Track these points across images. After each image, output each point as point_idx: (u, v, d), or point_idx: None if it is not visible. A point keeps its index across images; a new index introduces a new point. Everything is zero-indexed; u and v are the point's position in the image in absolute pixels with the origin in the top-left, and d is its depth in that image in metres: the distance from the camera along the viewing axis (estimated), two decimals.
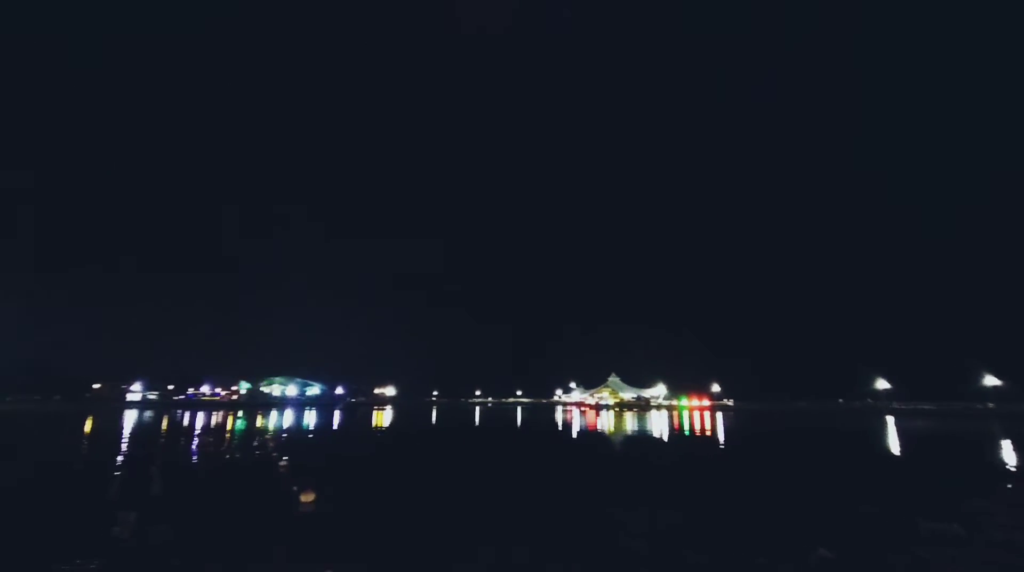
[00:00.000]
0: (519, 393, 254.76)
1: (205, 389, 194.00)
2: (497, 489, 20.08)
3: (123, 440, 42.69)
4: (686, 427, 64.31)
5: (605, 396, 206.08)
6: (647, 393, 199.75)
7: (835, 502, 17.49)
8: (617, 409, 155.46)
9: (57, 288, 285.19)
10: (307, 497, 16.58)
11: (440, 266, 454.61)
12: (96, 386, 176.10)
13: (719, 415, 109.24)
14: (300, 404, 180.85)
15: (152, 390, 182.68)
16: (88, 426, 60.86)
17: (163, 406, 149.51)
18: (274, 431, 52.71)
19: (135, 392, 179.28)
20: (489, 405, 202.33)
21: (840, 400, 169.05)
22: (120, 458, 29.55)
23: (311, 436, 48.44)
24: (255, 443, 39.82)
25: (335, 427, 63.03)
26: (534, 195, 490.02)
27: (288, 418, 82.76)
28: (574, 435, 51.97)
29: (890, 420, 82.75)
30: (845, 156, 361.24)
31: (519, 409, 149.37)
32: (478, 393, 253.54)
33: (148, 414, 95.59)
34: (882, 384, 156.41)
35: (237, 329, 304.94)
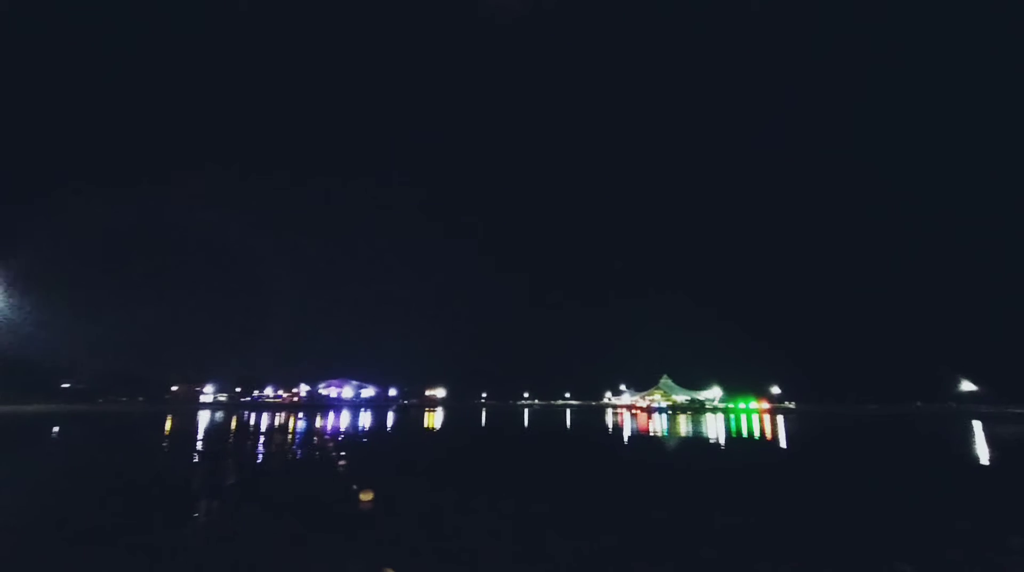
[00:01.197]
0: (567, 395, 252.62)
1: (268, 391, 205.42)
2: (559, 495, 19.85)
3: (199, 438, 46.20)
4: (746, 431, 61.44)
5: (657, 398, 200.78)
6: (701, 395, 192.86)
7: (919, 514, 16.09)
8: (670, 412, 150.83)
9: (142, 300, 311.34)
10: (366, 496, 17.07)
11: (489, 270, 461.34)
12: (174, 389, 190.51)
13: (780, 418, 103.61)
14: (355, 405, 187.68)
15: (222, 392, 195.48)
16: (168, 425, 65.83)
17: (232, 407, 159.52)
18: (332, 431, 54.90)
19: (207, 394, 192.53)
20: (536, 407, 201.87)
21: (918, 403, 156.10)
22: (198, 453, 32.56)
23: (367, 437, 50.02)
24: (314, 442, 41.60)
25: (389, 428, 64.82)
26: (582, 203, 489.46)
27: (345, 419, 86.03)
28: (629, 438, 50.87)
29: (977, 425, 75.49)
30: (929, 144, 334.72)
31: (568, 411, 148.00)
32: (526, 395, 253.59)
33: (219, 415, 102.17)
34: (967, 386, 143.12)
35: (296, 334, 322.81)
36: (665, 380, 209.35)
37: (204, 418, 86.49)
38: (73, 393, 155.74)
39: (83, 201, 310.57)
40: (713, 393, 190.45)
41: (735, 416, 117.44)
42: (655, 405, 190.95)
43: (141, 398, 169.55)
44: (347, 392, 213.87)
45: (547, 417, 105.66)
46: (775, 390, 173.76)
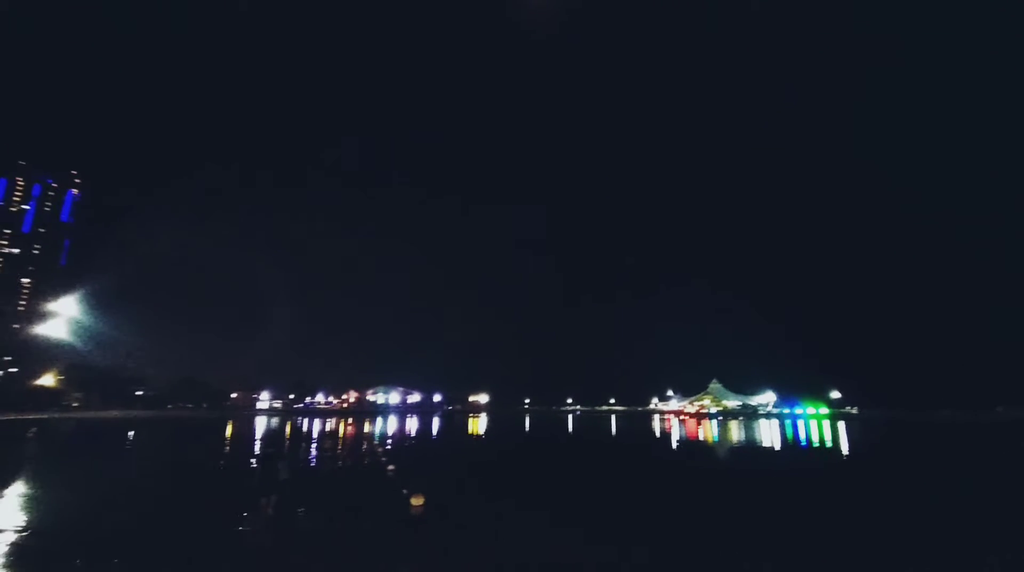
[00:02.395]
0: (612, 401, 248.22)
1: (320, 397, 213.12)
2: (615, 509, 19.42)
3: (257, 441, 48.80)
4: (804, 438, 58.07)
5: (707, 404, 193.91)
6: (754, 400, 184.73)
7: (1016, 533, 14.60)
8: (721, 418, 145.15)
9: (207, 317, 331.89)
10: (417, 500, 17.23)
11: (526, 274, 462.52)
12: (233, 396, 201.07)
13: (842, 425, 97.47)
14: (402, 411, 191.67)
15: (276, 399, 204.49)
16: (228, 430, 69.44)
17: (286, 413, 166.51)
18: (380, 436, 56.19)
19: (263, 401, 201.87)
20: (579, 413, 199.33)
21: (999, 408, 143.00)
22: (257, 454, 34.50)
23: (414, 442, 50.85)
24: (364, 447, 42.66)
25: (436, 434, 65.58)
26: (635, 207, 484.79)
27: (392, 424, 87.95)
28: (677, 444, 49.29)
29: None
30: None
31: (613, 417, 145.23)
32: (569, 401, 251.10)
33: (275, 421, 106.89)
34: None
35: (345, 342, 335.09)
36: (715, 385, 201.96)
37: (261, 424, 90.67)
38: (145, 400, 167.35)
39: (152, 228, 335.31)
40: (766, 398, 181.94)
41: (792, 422, 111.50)
42: (704, 410, 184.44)
43: (204, 405, 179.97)
44: (394, 398, 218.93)
45: (592, 423, 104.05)
46: (835, 394, 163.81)
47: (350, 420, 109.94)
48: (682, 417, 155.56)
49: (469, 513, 16.79)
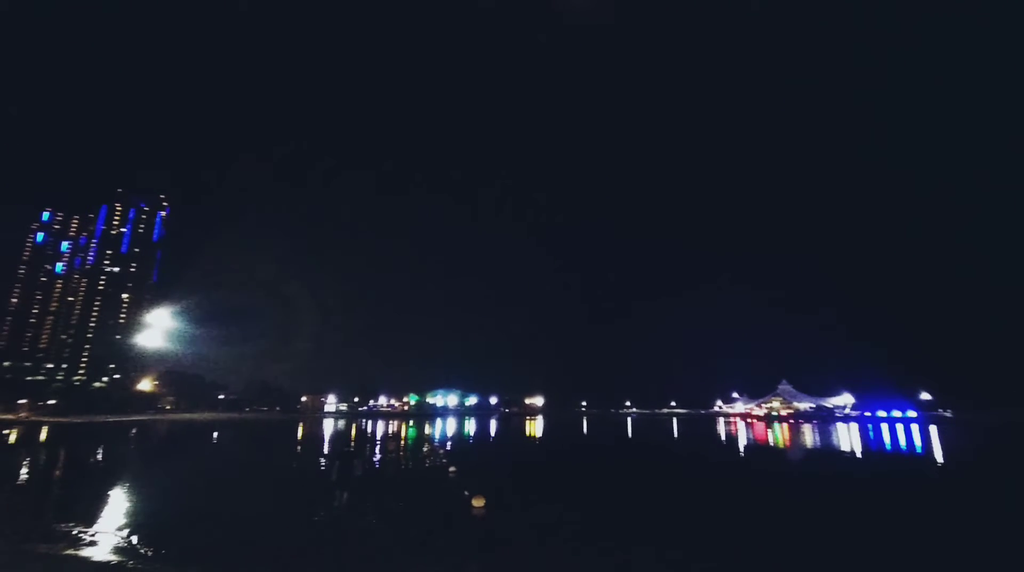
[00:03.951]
0: (673, 404, 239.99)
1: (382, 400, 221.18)
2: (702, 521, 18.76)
3: (327, 442, 51.49)
4: (890, 444, 53.23)
5: (776, 406, 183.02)
6: (830, 402, 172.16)
7: None
8: (792, 421, 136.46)
9: (278, 325, 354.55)
10: (478, 502, 17.43)
11: (593, 279, 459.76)
12: (303, 399, 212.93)
13: (934, 429, 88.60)
14: (460, 413, 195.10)
15: (342, 402, 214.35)
16: (300, 432, 73.57)
17: (351, 416, 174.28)
18: (441, 438, 57.40)
19: (330, 404, 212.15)
20: (640, 416, 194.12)
21: None
22: (329, 454, 36.70)
23: (474, 444, 51.48)
24: (425, 449, 43.75)
25: (494, 436, 66.02)
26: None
27: (451, 426, 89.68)
28: (755, 450, 46.81)
29: None
30: None
31: (675, 421, 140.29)
32: (627, 404, 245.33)
33: (341, 423, 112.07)
34: None
35: (406, 347, 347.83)
36: (784, 386, 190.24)
37: (329, 426, 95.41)
38: (226, 403, 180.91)
39: (228, 245, 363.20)
40: (844, 400, 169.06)
41: (873, 426, 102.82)
42: (774, 413, 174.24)
43: (277, 408, 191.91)
44: (452, 400, 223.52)
45: (654, 427, 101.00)
46: (924, 396, 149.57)
47: (411, 422, 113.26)
48: (749, 420, 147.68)
49: (529, 517, 16.74)
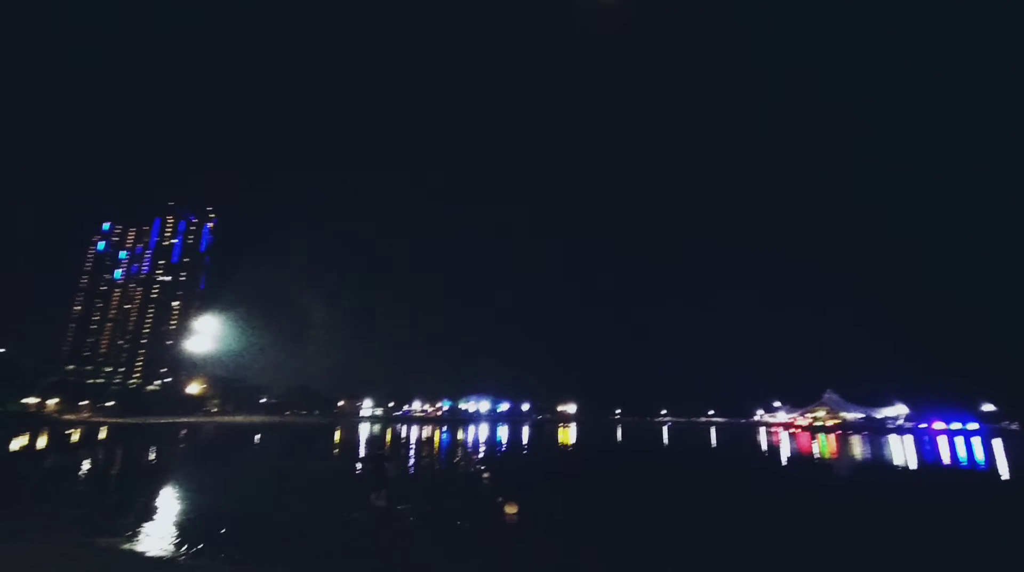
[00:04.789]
0: (711, 412, 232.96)
1: (416, 405, 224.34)
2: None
3: (363, 445, 52.79)
4: (948, 458, 49.91)
5: (821, 416, 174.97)
6: (880, 412, 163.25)
7: None
8: (840, 431, 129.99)
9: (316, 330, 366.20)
10: (511, 509, 17.39)
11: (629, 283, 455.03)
12: (340, 404, 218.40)
13: (998, 443, 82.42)
14: (492, 420, 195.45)
15: (377, 407, 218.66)
16: (337, 436, 75.45)
17: (385, 421, 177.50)
18: (473, 443, 57.67)
19: (366, 408, 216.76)
20: (676, 424, 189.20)
21: None
22: (365, 456, 37.78)
23: (507, 450, 51.43)
24: (459, 454, 44.05)
25: (526, 443, 65.70)
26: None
27: (483, 432, 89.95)
28: (812, 462, 44.92)
29: None
30: None
31: (713, 430, 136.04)
32: (663, 412, 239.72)
33: (376, 427, 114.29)
34: None
35: (439, 354, 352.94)
36: (830, 395, 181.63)
37: (364, 429, 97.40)
38: (267, 407, 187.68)
39: (268, 254, 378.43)
40: (896, 410, 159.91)
41: (929, 438, 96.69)
42: (818, 423, 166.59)
43: (316, 412, 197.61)
44: (484, 406, 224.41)
45: (692, 436, 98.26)
46: (987, 407, 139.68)
47: (444, 427, 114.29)
48: (792, 430, 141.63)
49: (563, 527, 16.58)
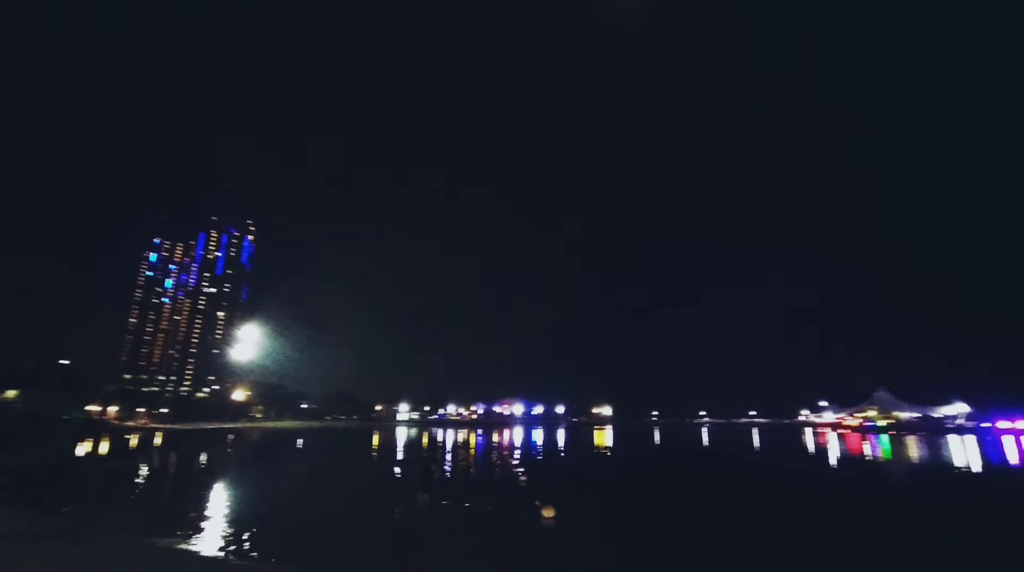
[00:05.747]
0: (752, 413, 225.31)
1: (451, 409, 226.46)
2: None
3: (401, 449, 53.71)
4: (1021, 457, 46.56)
5: (872, 415, 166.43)
6: (938, 412, 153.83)
7: None
8: (893, 432, 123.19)
9: (353, 336, 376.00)
10: (548, 512, 17.33)
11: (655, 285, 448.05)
12: (378, 408, 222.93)
13: None
14: (527, 423, 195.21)
15: (413, 411, 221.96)
16: (376, 439, 77.00)
17: (422, 424, 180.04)
18: (508, 446, 57.70)
19: (402, 413, 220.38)
20: (716, 425, 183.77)
21: None
22: (404, 460, 38.73)
23: (543, 453, 51.20)
24: (494, 457, 44.14)
25: (563, 446, 65.12)
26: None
27: (518, 435, 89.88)
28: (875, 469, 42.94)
29: None
30: None
31: (755, 431, 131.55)
32: (702, 413, 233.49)
33: (413, 431, 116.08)
34: None
35: (473, 358, 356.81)
36: (881, 393, 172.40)
37: (402, 434, 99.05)
38: (309, 412, 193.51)
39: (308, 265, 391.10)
40: (956, 409, 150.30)
41: (995, 439, 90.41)
42: (869, 423, 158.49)
43: (355, 416, 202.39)
44: (518, 409, 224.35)
45: (732, 437, 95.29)
46: None
47: (479, 431, 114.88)
48: (841, 430, 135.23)
49: (600, 531, 16.39)
